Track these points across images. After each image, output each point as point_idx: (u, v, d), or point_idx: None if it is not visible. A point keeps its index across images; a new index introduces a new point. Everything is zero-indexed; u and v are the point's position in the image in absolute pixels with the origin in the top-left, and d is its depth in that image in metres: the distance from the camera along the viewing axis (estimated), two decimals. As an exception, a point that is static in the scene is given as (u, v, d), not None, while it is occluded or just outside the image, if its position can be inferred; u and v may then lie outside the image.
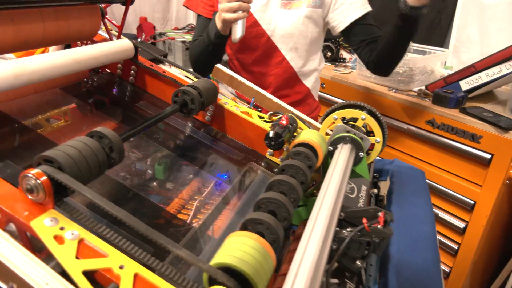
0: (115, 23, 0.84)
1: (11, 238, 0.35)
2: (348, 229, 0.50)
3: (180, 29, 3.25)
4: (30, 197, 0.39)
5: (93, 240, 0.38)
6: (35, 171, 0.39)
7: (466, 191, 1.25)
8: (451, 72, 1.61)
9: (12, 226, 0.39)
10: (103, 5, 0.79)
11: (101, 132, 0.47)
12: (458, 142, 1.23)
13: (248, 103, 0.93)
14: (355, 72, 1.71)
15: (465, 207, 1.26)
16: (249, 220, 0.45)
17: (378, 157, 0.84)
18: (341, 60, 1.97)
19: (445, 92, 1.30)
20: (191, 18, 3.57)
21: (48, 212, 0.39)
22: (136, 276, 0.36)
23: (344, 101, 0.82)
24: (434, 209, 1.34)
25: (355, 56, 1.89)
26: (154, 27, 3.04)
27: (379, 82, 1.53)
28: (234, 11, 0.92)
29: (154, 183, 0.73)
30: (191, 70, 0.88)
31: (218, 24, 1.00)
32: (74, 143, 0.43)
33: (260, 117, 0.80)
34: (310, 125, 0.78)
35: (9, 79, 0.51)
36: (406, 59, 1.43)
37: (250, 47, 1.15)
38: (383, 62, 1.13)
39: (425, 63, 1.44)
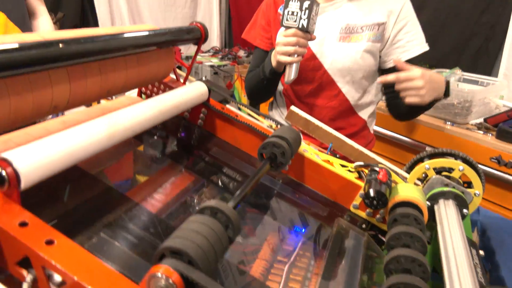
0: (184, 62, 0.80)
1: None
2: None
3: (205, 52, 3.25)
4: (158, 300, 0.33)
5: None
6: (164, 268, 0.32)
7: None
8: (504, 102, 1.54)
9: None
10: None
11: (218, 208, 0.41)
12: (531, 182, 1.15)
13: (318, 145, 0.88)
14: (402, 101, 1.64)
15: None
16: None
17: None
18: (382, 88, 1.91)
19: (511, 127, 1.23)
20: (215, 41, 3.57)
21: (179, 317, 0.33)
22: None
23: (433, 149, 0.76)
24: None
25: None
26: (180, 50, 3.04)
27: (432, 113, 1.46)
28: (290, 55, 0.90)
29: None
30: (244, 104, 0.83)
31: (274, 62, 0.99)
32: (199, 228, 0.37)
33: (342, 165, 0.74)
34: (404, 178, 0.71)
35: (103, 141, 0.46)
36: (464, 91, 1.37)
37: (306, 79, 1.11)
38: (397, 114, 1.16)
39: (484, 95, 1.37)
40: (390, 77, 0.90)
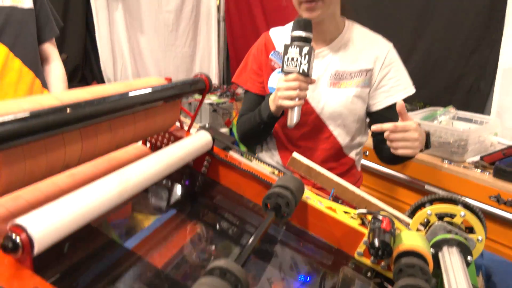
0: (187, 109, 0.82)
1: None
2: None
3: (204, 89, 3.31)
4: None
5: None
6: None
7: (545, 276, 1.14)
8: (499, 139, 1.57)
9: None
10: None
11: (227, 269, 0.41)
12: (531, 221, 1.15)
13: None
14: (399, 139, 1.67)
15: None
16: None
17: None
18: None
19: (507, 166, 1.24)
20: (213, 78, 3.65)
21: None
22: None
23: (435, 194, 0.76)
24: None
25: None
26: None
27: (429, 152, 1.48)
28: (292, 99, 0.92)
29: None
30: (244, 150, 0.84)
31: (272, 107, 1.01)
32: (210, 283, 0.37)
33: (345, 212, 0.74)
34: (406, 224, 0.71)
35: (114, 199, 0.47)
36: (459, 130, 1.40)
37: (298, 123, 1.13)
38: (383, 158, 1.19)
39: (479, 133, 1.40)
40: (386, 126, 0.90)
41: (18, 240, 0.36)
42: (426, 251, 0.61)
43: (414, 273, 0.57)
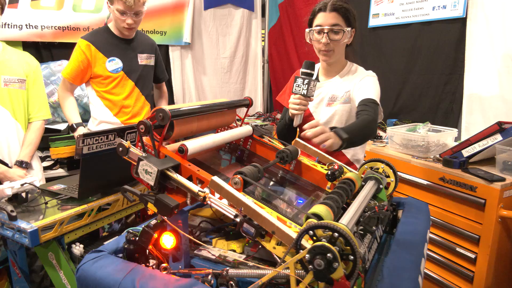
0: (240, 116, 1.45)
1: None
2: (368, 212, 0.98)
3: (251, 116, 3.99)
4: (234, 186, 0.93)
5: (259, 203, 0.91)
6: (236, 176, 0.94)
7: (472, 228, 1.60)
8: (456, 143, 2.04)
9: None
10: (234, 107, 1.40)
11: (258, 166, 1.02)
12: (461, 192, 1.63)
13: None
14: (388, 145, 2.19)
15: (473, 241, 1.61)
16: (325, 201, 0.95)
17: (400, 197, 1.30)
18: (378, 137, 2.47)
19: (451, 158, 1.74)
20: (259, 107, 4.33)
21: (241, 192, 0.93)
22: (277, 216, 0.87)
23: (372, 158, 1.32)
24: (450, 244, 1.70)
25: (387, 134, 2.39)
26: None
27: (404, 152, 2.00)
28: (296, 110, 1.47)
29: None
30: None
31: (290, 114, 1.59)
32: (249, 168, 0.98)
33: (322, 167, 1.32)
34: (351, 170, 1.28)
35: (210, 143, 1.11)
36: (424, 135, 1.92)
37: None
38: None
39: (437, 138, 1.90)
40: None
41: (184, 149, 1.00)
42: (355, 179, 1.17)
43: (344, 186, 1.13)
